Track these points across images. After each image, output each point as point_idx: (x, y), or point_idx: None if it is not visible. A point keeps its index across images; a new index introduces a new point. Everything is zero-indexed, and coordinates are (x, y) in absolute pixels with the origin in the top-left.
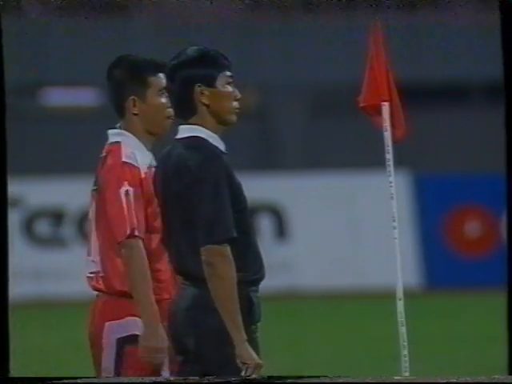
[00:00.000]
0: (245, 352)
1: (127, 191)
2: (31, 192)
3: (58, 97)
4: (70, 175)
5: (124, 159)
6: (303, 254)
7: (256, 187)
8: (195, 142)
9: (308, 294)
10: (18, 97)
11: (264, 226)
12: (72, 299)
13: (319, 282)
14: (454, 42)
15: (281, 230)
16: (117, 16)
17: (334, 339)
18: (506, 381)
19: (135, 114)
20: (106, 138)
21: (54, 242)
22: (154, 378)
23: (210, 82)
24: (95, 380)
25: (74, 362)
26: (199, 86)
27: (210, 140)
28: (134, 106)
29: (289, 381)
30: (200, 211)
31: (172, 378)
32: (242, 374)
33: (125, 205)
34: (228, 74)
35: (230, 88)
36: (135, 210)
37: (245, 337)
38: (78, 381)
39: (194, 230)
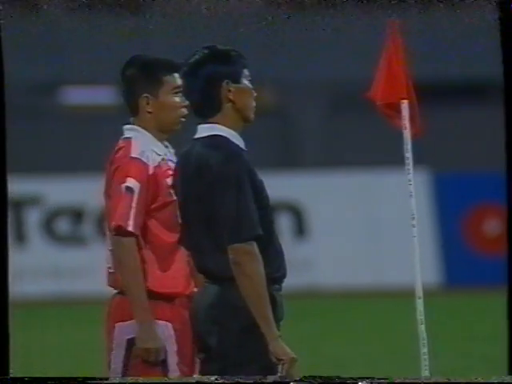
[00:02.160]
0: (279, 348)
1: (129, 187)
2: (51, 190)
3: (78, 95)
4: (90, 173)
5: (132, 155)
6: (323, 252)
7: (276, 186)
8: (216, 141)
9: (327, 292)
10: (37, 96)
11: (284, 224)
12: (91, 297)
13: (339, 281)
14: (473, 40)
15: (300, 228)
16: (136, 14)
17: (353, 337)
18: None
19: (149, 112)
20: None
21: (74, 240)
22: (163, 379)
23: (236, 78)
24: (99, 381)
25: (91, 362)
26: (227, 83)
27: (231, 138)
28: (148, 104)
29: (306, 380)
30: (224, 210)
31: (183, 378)
32: (279, 370)
33: (124, 199)
34: (247, 71)
35: (250, 85)
36: (136, 206)
37: (277, 333)
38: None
39: (216, 229)
